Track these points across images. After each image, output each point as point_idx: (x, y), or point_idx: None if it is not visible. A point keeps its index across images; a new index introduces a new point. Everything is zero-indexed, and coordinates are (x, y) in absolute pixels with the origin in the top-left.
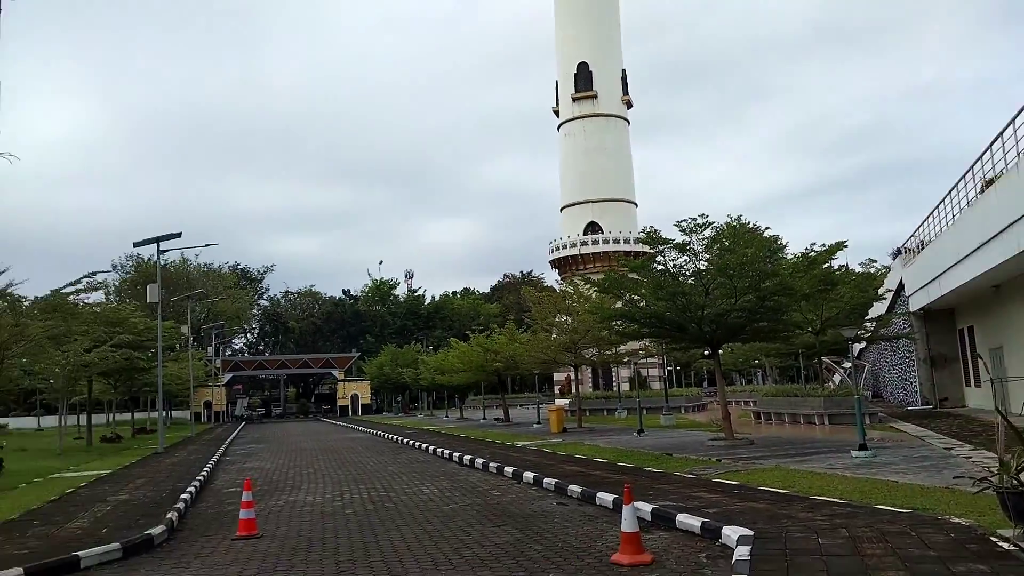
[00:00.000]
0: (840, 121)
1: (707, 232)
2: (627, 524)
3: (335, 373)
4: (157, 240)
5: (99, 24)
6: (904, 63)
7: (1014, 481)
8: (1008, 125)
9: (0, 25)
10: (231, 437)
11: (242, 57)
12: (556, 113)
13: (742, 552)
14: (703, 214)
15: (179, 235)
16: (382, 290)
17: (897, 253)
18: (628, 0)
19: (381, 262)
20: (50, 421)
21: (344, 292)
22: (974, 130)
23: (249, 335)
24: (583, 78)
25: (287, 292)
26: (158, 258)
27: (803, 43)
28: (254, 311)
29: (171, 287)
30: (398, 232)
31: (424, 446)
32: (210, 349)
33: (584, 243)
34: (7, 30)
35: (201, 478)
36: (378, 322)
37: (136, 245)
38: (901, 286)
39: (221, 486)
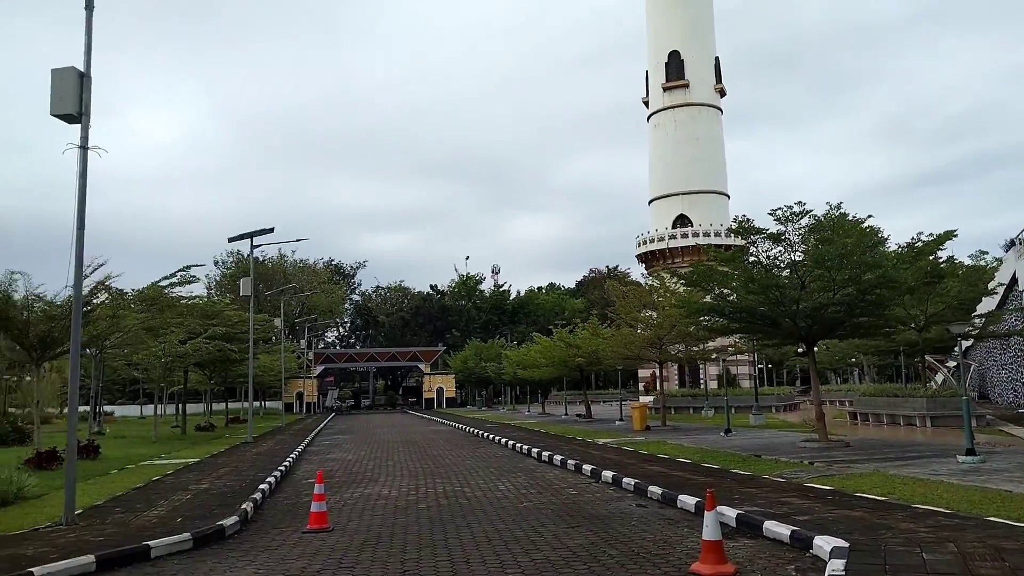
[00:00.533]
0: (941, 107)
1: (804, 221)
2: (709, 531)
3: (421, 367)
4: (251, 235)
5: (208, 31)
6: (1006, 44)
7: None
8: None
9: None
10: (319, 428)
11: (338, 60)
12: (646, 104)
13: (836, 566)
14: (800, 202)
15: (271, 230)
16: (468, 285)
17: (1011, 245)
18: None
19: (468, 257)
20: (151, 410)
21: (431, 287)
22: None
23: (341, 328)
24: (674, 67)
25: (377, 287)
26: (251, 252)
27: (898, 26)
28: (346, 305)
29: (268, 282)
30: (485, 228)
31: (503, 441)
32: (303, 342)
33: (672, 236)
34: (128, 32)
35: (283, 468)
36: (464, 317)
37: (231, 240)
38: (1015, 280)
39: (301, 476)
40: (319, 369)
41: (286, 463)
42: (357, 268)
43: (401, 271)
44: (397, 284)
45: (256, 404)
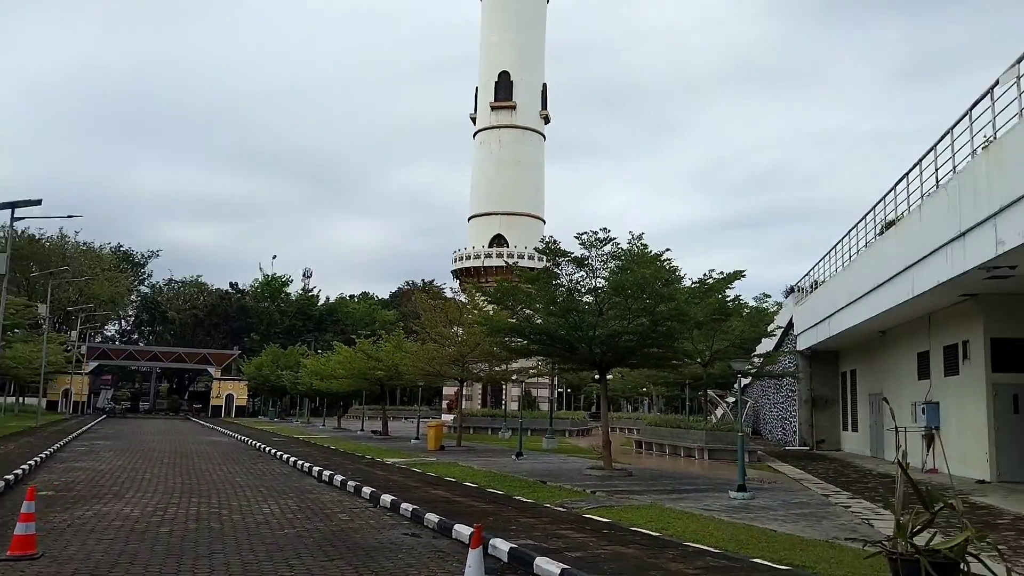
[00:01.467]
0: (746, 160)
1: (607, 248)
2: (471, 572)
3: (211, 370)
4: (11, 205)
5: None
6: (811, 111)
7: (910, 547)
8: (914, 166)
9: None
10: (80, 431)
11: (157, 33)
12: (474, 120)
13: None
14: (604, 228)
15: (39, 202)
16: (273, 286)
17: (790, 291)
18: (553, 19)
19: (275, 257)
20: None
21: (231, 285)
22: (869, 182)
23: (124, 323)
24: (504, 87)
25: (171, 280)
26: (11, 224)
27: (716, 82)
28: (133, 297)
29: (43, 264)
30: (301, 229)
31: (286, 457)
32: (74, 334)
33: (488, 255)
34: None
35: (11, 477)
36: (265, 319)
37: None
38: (791, 324)
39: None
40: (92, 365)
41: (19, 470)
42: (149, 257)
43: (203, 266)
44: (194, 279)
45: (11, 400)
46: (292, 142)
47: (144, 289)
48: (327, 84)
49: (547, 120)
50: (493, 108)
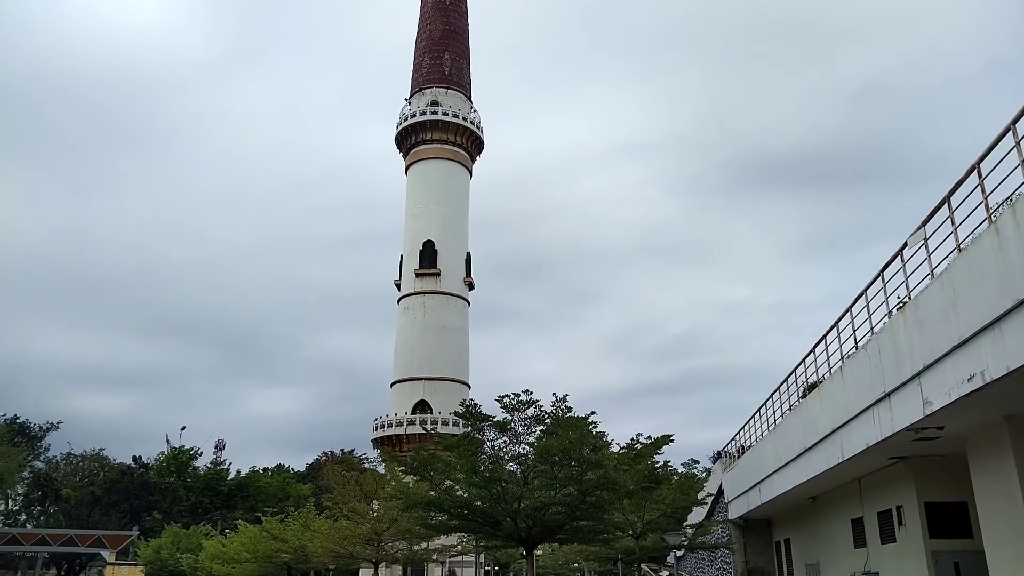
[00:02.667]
0: (662, 328)
1: (530, 411)
2: None
3: (105, 555)
4: None
5: None
6: (718, 282)
7: None
8: (831, 328)
9: None
10: None
11: (71, 200)
12: (398, 286)
13: None
14: (527, 390)
15: None
16: (180, 460)
17: (717, 456)
18: (476, 191)
19: (183, 428)
20: None
21: (135, 459)
22: (778, 350)
23: (11, 502)
24: (428, 255)
25: (69, 454)
26: None
27: (629, 254)
28: (26, 474)
29: None
30: (215, 398)
31: None
32: None
33: (411, 422)
34: None
35: None
36: (169, 496)
37: None
38: (721, 491)
39: None
40: None
41: None
42: (48, 429)
43: (107, 438)
44: (95, 452)
45: None
46: (209, 309)
47: (39, 464)
48: (248, 252)
49: (471, 286)
50: (418, 275)
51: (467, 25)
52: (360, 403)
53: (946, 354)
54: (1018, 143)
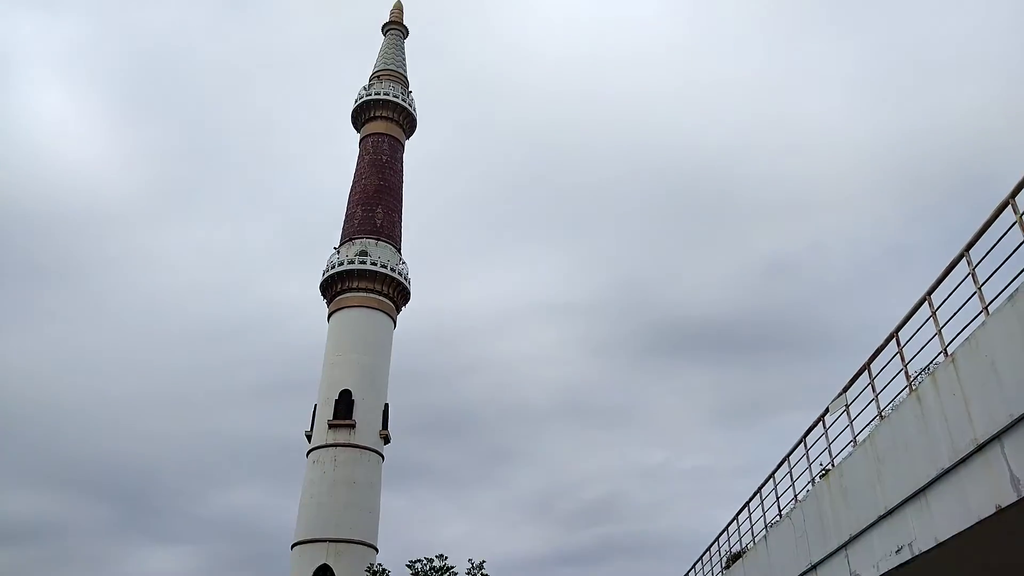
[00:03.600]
0: (581, 492)
1: None
2: None
3: None
4: None
5: None
6: (637, 445)
7: None
8: (754, 495)
9: None
10: None
11: None
12: (308, 438)
13: None
14: (441, 555)
15: None
16: None
17: None
18: (400, 344)
19: None
20: None
21: None
22: (696, 517)
23: None
24: (344, 405)
25: None
26: None
27: (548, 413)
28: None
29: None
30: (103, 557)
31: None
32: None
33: None
34: None
35: None
36: None
37: None
38: None
39: None
40: None
41: None
42: None
43: None
44: None
45: None
46: (106, 457)
47: None
48: (157, 397)
49: (387, 440)
50: (331, 426)
51: (401, 183)
52: (259, 565)
53: (872, 524)
54: (934, 313)
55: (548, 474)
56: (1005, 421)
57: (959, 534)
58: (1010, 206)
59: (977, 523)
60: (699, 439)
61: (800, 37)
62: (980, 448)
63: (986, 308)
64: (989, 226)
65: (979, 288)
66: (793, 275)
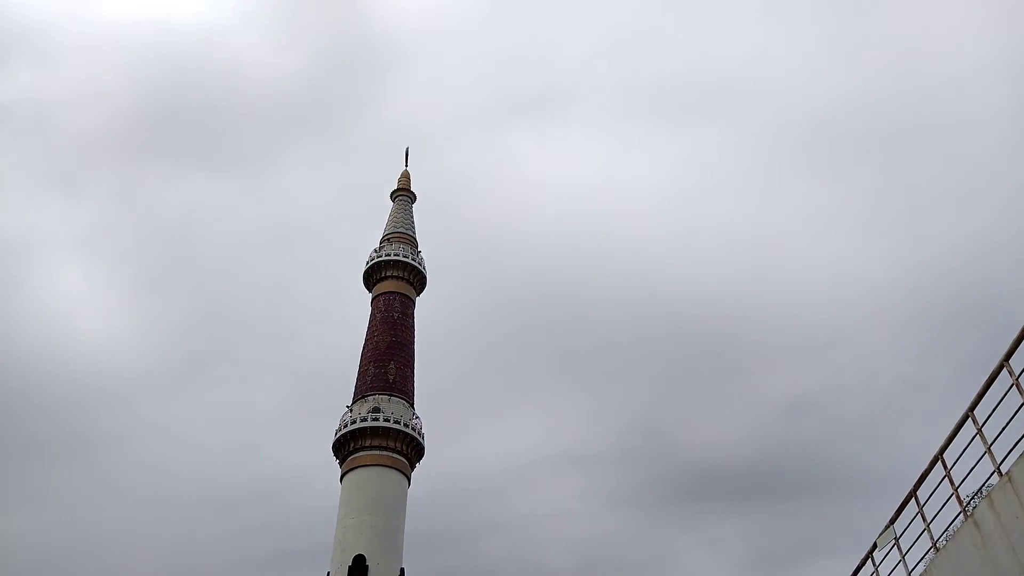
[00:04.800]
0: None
1: None
2: None
3: None
4: None
5: None
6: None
7: None
8: None
9: None
10: None
11: None
12: None
13: None
14: None
15: None
16: None
17: None
18: (415, 503)
19: None
20: None
21: None
22: None
23: None
24: (358, 571)
25: None
26: None
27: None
28: None
29: None
30: None
31: None
32: None
33: None
34: None
35: None
36: None
37: None
38: None
39: None
40: None
41: None
42: None
43: None
44: None
45: None
46: None
47: None
48: (167, 570)
49: None
50: None
51: (413, 338)
52: None
53: None
54: (980, 430)
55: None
56: None
57: None
58: None
59: None
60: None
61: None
62: None
63: None
64: None
65: None
66: (812, 414)
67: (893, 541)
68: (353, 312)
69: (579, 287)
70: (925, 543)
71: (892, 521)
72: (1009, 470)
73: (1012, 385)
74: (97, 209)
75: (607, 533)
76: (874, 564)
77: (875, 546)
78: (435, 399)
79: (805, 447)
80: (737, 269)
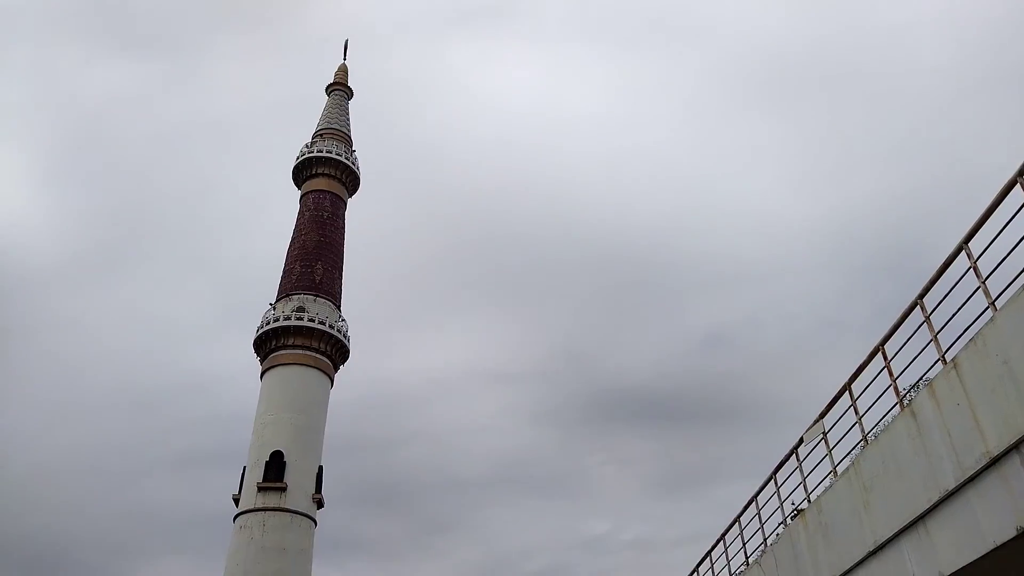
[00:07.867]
0: (525, 563)
1: None
2: None
3: None
4: None
5: None
6: (579, 516)
7: None
8: (719, 540)
9: None
10: None
11: None
12: (236, 502)
13: None
14: None
15: None
16: None
17: None
18: (337, 407)
19: None
20: None
21: None
22: None
23: None
24: (275, 467)
25: None
26: None
27: (488, 484)
28: None
29: None
30: None
31: None
32: None
33: None
34: None
35: None
36: None
37: None
38: None
39: None
40: None
41: None
42: None
43: None
44: None
45: None
46: (15, 534)
47: None
48: (77, 469)
49: (320, 504)
50: (261, 488)
51: (343, 239)
52: None
53: (859, 563)
54: (927, 318)
55: (489, 546)
56: None
57: (970, 565)
58: (1019, 184)
59: (993, 550)
60: (641, 509)
61: (732, 117)
62: (994, 462)
63: (993, 304)
64: (988, 217)
65: (983, 283)
66: (727, 347)
67: (820, 436)
68: (281, 214)
69: (512, 206)
70: (855, 437)
71: (822, 416)
72: (955, 357)
73: (969, 268)
74: (8, 89)
75: (526, 449)
76: (798, 460)
77: (801, 441)
78: (363, 305)
79: (721, 377)
80: (665, 200)
